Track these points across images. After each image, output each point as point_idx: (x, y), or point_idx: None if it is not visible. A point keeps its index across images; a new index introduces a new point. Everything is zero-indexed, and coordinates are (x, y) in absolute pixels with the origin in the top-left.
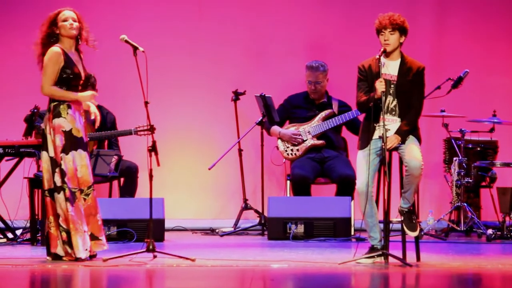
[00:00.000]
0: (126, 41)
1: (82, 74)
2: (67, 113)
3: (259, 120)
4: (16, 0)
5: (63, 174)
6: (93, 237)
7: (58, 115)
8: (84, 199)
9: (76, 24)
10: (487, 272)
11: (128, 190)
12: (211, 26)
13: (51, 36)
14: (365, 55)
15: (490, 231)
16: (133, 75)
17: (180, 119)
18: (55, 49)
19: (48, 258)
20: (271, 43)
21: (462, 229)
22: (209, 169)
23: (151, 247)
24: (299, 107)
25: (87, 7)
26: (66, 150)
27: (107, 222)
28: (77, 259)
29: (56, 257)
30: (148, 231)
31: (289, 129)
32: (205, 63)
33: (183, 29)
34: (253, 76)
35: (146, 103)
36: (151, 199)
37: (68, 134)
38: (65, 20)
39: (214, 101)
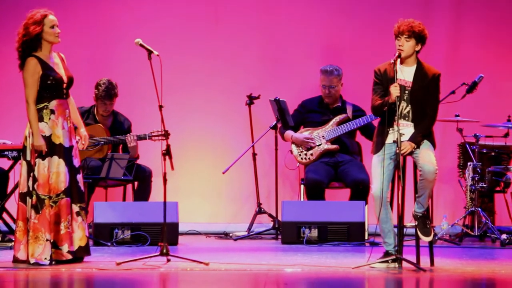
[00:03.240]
0: (141, 45)
1: (64, 77)
2: (49, 118)
3: (273, 124)
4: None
5: (34, 179)
6: (54, 246)
7: (41, 119)
8: (51, 206)
9: (59, 31)
10: (501, 277)
11: (142, 194)
12: (226, 30)
13: (34, 41)
14: (380, 60)
15: (504, 236)
16: (147, 78)
17: (194, 123)
18: (31, 60)
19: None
20: (286, 47)
21: (476, 234)
22: (223, 173)
23: (165, 250)
24: (314, 112)
25: (102, 10)
26: (43, 155)
27: (121, 226)
28: (32, 264)
29: (16, 261)
30: (162, 235)
31: (302, 133)
32: (220, 67)
33: (199, 33)
34: (268, 80)
35: (161, 107)
36: (165, 202)
37: (47, 140)
38: (52, 27)
39: (228, 105)
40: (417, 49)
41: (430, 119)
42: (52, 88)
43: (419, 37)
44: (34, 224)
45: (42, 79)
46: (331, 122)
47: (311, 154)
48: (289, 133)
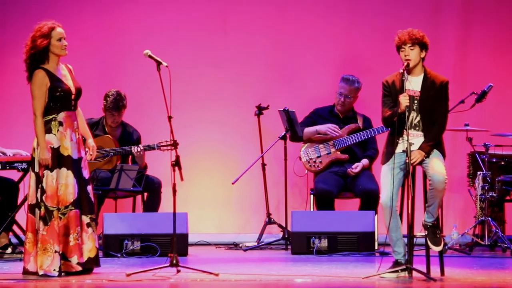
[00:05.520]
0: (150, 56)
1: (73, 89)
2: (58, 130)
3: (283, 134)
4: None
5: (42, 191)
6: (63, 257)
7: (49, 131)
8: (60, 218)
9: (66, 44)
10: None
11: (152, 205)
12: (235, 40)
13: (42, 54)
14: (391, 69)
15: None
16: (156, 89)
17: (203, 133)
18: (38, 73)
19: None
20: (295, 57)
21: (486, 243)
22: (233, 183)
23: (174, 261)
24: (325, 120)
25: (110, 21)
26: (51, 167)
27: (131, 237)
28: (41, 276)
29: (26, 272)
30: (171, 246)
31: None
32: (229, 77)
33: (207, 43)
34: (277, 91)
35: (170, 117)
36: (174, 213)
37: (55, 151)
38: (60, 39)
39: (237, 115)
40: (422, 56)
41: (440, 127)
42: (60, 100)
43: (422, 44)
44: (42, 235)
45: (51, 91)
46: (342, 131)
47: (320, 162)
48: (308, 128)
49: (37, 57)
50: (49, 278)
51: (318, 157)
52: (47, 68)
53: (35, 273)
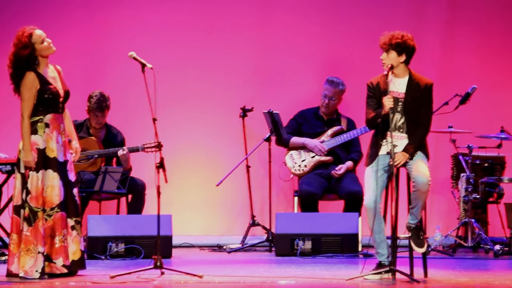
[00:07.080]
0: (134, 58)
1: (61, 92)
2: (44, 131)
3: (267, 136)
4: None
5: (27, 192)
6: (48, 259)
7: (35, 132)
8: (46, 219)
9: (50, 41)
10: None
11: (136, 207)
12: (220, 42)
13: (30, 60)
14: (375, 72)
15: (497, 247)
16: (141, 91)
17: (187, 135)
18: (29, 75)
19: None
20: (280, 59)
21: (470, 245)
22: (217, 185)
23: (158, 263)
24: (309, 122)
25: (95, 23)
26: (36, 168)
27: (115, 239)
28: (20, 278)
29: (10, 275)
30: (155, 248)
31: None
32: (214, 79)
33: (192, 45)
34: (262, 92)
35: (154, 120)
36: (158, 215)
37: (41, 153)
38: (42, 41)
39: (222, 117)
40: (401, 60)
41: (424, 129)
42: (48, 102)
43: (400, 48)
44: (26, 236)
45: (40, 93)
46: (326, 134)
47: (305, 166)
48: (297, 138)
49: (24, 65)
50: (27, 280)
51: (303, 161)
52: (38, 71)
53: (15, 275)
